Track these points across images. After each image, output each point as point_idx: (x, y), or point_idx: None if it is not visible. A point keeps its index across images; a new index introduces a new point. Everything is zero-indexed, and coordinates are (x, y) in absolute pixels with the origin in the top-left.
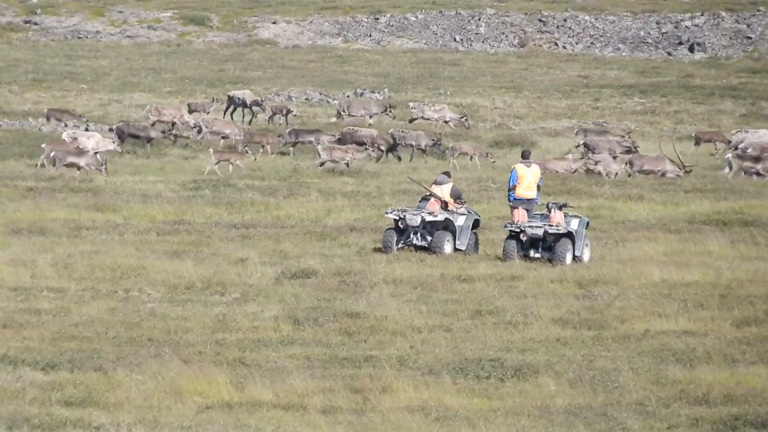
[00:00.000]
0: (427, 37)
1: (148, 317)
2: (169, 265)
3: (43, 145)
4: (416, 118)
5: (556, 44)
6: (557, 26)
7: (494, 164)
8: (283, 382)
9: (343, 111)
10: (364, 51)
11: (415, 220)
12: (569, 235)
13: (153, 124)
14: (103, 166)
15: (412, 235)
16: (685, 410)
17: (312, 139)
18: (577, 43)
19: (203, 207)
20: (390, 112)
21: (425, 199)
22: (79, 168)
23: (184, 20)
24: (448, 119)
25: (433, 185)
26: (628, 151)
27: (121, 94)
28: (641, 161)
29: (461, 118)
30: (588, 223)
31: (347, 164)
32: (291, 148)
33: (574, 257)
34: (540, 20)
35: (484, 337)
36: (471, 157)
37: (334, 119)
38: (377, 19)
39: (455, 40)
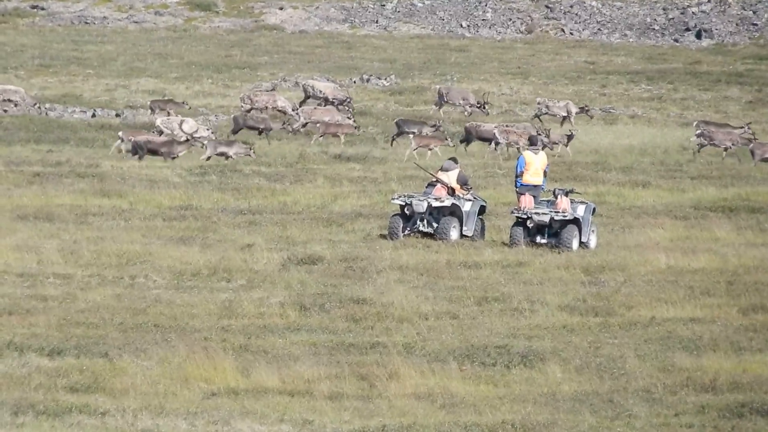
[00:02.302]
0: (433, 23)
1: (154, 303)
2: (175, 252)
3: (119, 134)
4: (541, 114)
5: (562, 30)
6: (564, 12)
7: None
8: (289, 368)
9: (443, 98)
10: (371, 37)
11: (421, 206)
12: (576, 221)
13: (248, 111)
14: (251, 150)
15: (418, 222)
16: (691, 397)
17: (416, 129)
18: (583, 30)
19: (210, 193)
20: (485, 108)
21: (431, 185)
22: (227, 157)
23: (190, 5)
24: (573, 113)
25: (440, 171)
26: (749, 142)
27: (128, 79)
28: (762, 150)
29: (584, 108)
30: (594, 209)
31: (519, 148)
32: (395, 138)
33: (581, 243)
34: (547, 6)
35: (490, 324)
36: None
37: (433, 106)
38: (384, 5)
39: (462, 26)
